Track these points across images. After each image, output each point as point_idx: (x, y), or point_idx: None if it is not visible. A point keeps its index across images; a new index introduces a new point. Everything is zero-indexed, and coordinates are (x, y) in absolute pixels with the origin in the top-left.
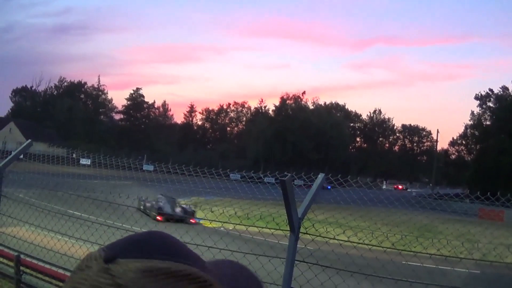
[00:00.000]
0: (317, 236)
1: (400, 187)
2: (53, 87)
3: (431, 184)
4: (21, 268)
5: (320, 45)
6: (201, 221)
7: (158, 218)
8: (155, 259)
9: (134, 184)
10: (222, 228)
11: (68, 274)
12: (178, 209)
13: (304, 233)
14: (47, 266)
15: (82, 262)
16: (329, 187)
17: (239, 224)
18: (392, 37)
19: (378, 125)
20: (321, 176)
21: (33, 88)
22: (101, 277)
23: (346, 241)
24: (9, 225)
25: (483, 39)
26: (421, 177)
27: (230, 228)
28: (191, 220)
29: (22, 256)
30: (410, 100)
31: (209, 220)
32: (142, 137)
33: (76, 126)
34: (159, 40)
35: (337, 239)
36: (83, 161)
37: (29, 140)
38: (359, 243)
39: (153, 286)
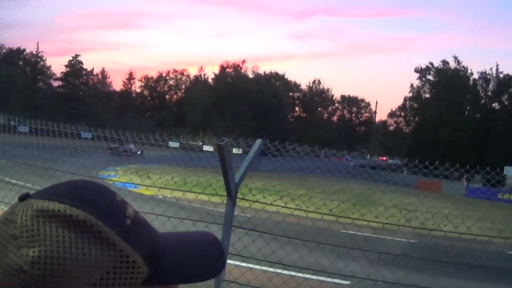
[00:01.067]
0: (254, 201)
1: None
2: None
3: (369, 155)
4: None
5: (261, 14)
6: (138, 188)
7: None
8: (57, 202)
9: (72, 152)
10: (160, 196)
11: None
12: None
13: (241, 199)
14: None
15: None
16: (350, 158)
17: (175, 190)
18: (334, 8)
19: (317, 95)
20: (258, 141)
21: None
22: (7, 212)
23: (283, 206)
24: None
25: (425, 13)
26: (360, 148)
27: (167, 195)
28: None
29: None
30: (350, 71)
31: (146, 186)
32: (81, 104)
33: (15, 93)
34: (99, 6)
35: (274, 205)
36: (21, 128)
37: None
38: (296, 209)
39: (40, 226)
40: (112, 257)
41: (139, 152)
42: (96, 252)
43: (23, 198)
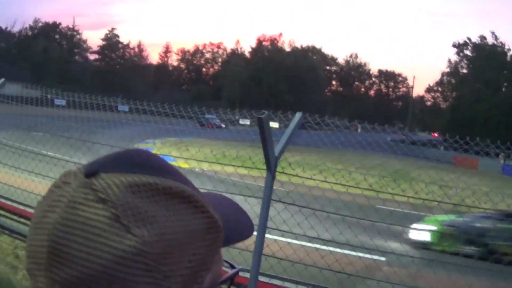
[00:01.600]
0: (294, 176)
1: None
2: (27, 28)
3: (406, 130)
4: None
5: None
6: (176, 161)
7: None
8: (140, 174)
9: (109, 125)
10: (197, 169)
11: None
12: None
13: (281, 172)
14: (22, 207)
15: (59, 179)
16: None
17: (214, 163)
18: None
19: (355, 69)
20: (298, 114)
21: (7, 30)
22: (81, 192)
23: (322, 181)
24: None
25: None
26: (396, 123)
27: (206, 168)
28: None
29: None
30: (388, 46)
31: (184, 158)
32: (117, 77)
33: (51, 67)
34: None
35: (314, 179)
36: (58, 101)
37: (2, 79)
38: (336, 184)
39: (140, 201)
40: (206, 224)
41: (223, 126)
42: (196, 221)
43: (92, 173)
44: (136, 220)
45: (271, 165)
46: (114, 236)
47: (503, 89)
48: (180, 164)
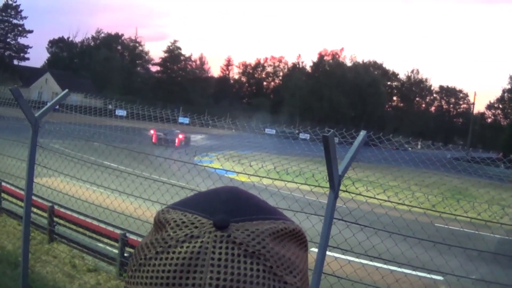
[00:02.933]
0: (357, 194)
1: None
2: (90, 39)
3: (466, 147)
4: (55, 219)
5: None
6: (238, 175)
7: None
8: (265, 219)
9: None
10: (261, 184)
11: (102, 225)
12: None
13: (344, 191)
14: (81, 217)
15: (173, 231)
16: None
17: (277, 180)
18: None
19: (416, 85)
20: (363, 133)
21: (70, 39)
22: (224, 247)
23: (386, 200)
24: (44, 175)
25: None
26: (456, 140)
27: (268, 184)
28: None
29: (56, 207)
30: (450, 61)
31: (247, 174)
32: (178, 89)
33: (113, 77)
34: None
35: (377, 199)
36: (119, 112)
37: (66, 90)
38: (399, 204)
39: (282, 249)
40: (307, 256)
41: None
42: (306, 253)
43: (225, 225)
44: (285, 269)
45: (334, 184)
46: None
47: None
48: (242, 178)
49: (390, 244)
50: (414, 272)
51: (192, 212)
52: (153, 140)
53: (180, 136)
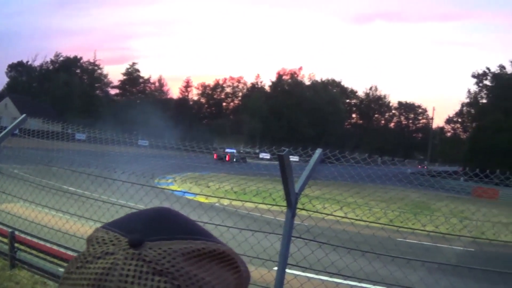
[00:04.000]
0: (314, 212)
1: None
2: (49, 62)
3: (426, 161)
4: (16, 244)
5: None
6: (197, 197)
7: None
8: (183, 239)
9: (129, 160)
10: (218, 204)
11: (62, 250)
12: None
13: (301, 209)
14: (42, 242)
15: (93, 248)
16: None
17: (235, 200)
18: (391, 14)
19: (374, 102)
20: (318, 151)
21: (29, 63)
22: (133, 265)
23: (343, 217)
24: (3, 201)
25: (481, 17)
26: (416, 154)
27: (226, 204)
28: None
29: (16, 232)
30: (407, 77)
31: (205, 195)
32: (138, 112)
33: (72, 101)
34: (156, 13)
35: (334, 215)
36: (78, 136)
37: (24, 115)
38: (357, 220)
39: (194, 268)
40: (237, 278)
41: (240, 160)
42: (232, 277)
43: (139, 243)
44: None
45: (291, 202)
46: None
47: None
48: (201, 199)
49: (349, 260)
50: (373, 287)
51: (114, 230)
52: (214, 157)
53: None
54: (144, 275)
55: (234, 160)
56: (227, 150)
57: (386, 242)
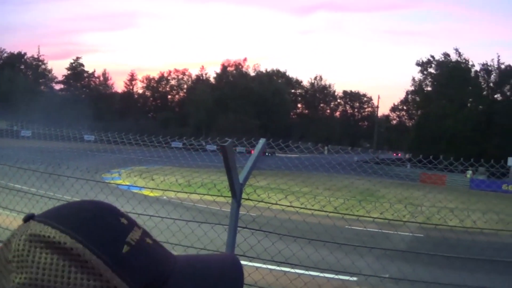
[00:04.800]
0: (259, 201)
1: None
2: None
3: (372, 149)
4: None
5: (262, 11)
6: (143, 190)
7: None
8: (50, 226)
9: (75, 155)
10: (164, 197)
11: None
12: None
13: (246, 199)
14: None
15: None
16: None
17: (180, 192)
18: (335, 4)
19: (319, 91)
20: (262, 141)
21: None
22: (10, 234)
23: (288, 206)
24: None
25: (426, 6)
26: (363, 143)
27: (172, 196)
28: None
29: None
30: (352, 67)
31: (150, 188)
32: (83, 106)
33: (17, 97)
34: (99, 7)
35: (279, 204)
36: (24, 132)
37: None
38: (302, 208)
39: (32, 251)
40: (97, 286)
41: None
42: (82, 282)
43: (27, 219)
44: (18, 267)
45: (236, 192)
46: (1, 275)
47: (468, 104)
48: (146, 193)
49: (296, 248)
50: (321, 274)
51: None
52: (251, 152)
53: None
54: (5, 242)
55: (267, 154)
56: (173, 144)
57: (332, 229)
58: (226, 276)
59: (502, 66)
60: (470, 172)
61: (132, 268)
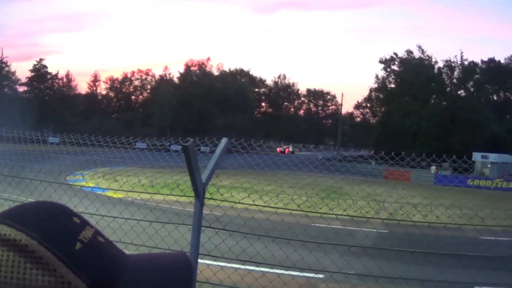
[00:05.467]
0: (223, 201)
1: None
2: None
3: (336, 147)
4: None
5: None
6: (106, 192)
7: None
8: (5, 225)
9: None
10: (127, 198)
11: None
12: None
13: (209, 198)
14: None
15: None
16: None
17: (143, 193)
18: (297, 2)
19: (283, 90)
20: (224, 140)
21: None
22: None
23: (251, 204)
24: None
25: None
26: (327, 140)
27: (136, 197)
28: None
29: None
30: (316, 65)
31: (114, 190)
32: (47, 108)
33: None
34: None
35: (243, 203)
36: None
37: None
38: (265, 206)
39: None
40: (52, 283)
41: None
42: (38, 278)
43: None
44: None
45: (199, 192)
46: None
47: (432, 101)
48: (110, 194)
49: (260, 246)
50: (287, 272)
51: None
52: (277, 151)
53: (287, 148)
54: None
55: (291, 152)
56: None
57: (296, 227)
58: (176, 273)
59: (466, 63)
60: (433, 167)
61: (85, 264)
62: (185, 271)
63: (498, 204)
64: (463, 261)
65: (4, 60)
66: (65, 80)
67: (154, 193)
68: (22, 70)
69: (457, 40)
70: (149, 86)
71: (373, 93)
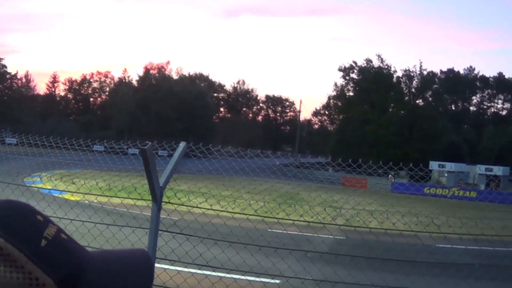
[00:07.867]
0: (180, 205)
1: None
2: None
3: (294, 153)
4: None
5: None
6: (63, 194)
7: None
8: None
9: None
10: (85, 201)
11: None
12: None
13: (167, 202)
14: None
15: None
16: None
17: (101, 195)
18: (259, 8)
19: (242, 95)
20: (182, 144)
21: None
22: None
23: (208, 209)
24: None
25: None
26: (285, 147)
27: (93, 200)
28: None
29: None
30: (275, 71)
31: (71, 192)
32: (5, 109)
33: None
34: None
35: (200, 208)
36: None
37: None
38: (222, 211)
39: None
40: (21, 280)
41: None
42: (6, 274)
43: None
44: None
45: (156, 196)
46: None
47: (390, 109)
48: (67, 196)
49: (217, 251)
50: (243, 277)
51: None
52: None
53: None
54: None
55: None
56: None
57: (252, 232)
58: (138, 268)
59: (424, 72)
60: (390, 175)
61: (51, 261)
62: (145, 266)
63: (454, 212)
64: (419, 268)
65: None
66: (24, 80)
67: (112, 196)
68: None
69: (416, 50)
70: (108, 89)
71: (331, 101)
